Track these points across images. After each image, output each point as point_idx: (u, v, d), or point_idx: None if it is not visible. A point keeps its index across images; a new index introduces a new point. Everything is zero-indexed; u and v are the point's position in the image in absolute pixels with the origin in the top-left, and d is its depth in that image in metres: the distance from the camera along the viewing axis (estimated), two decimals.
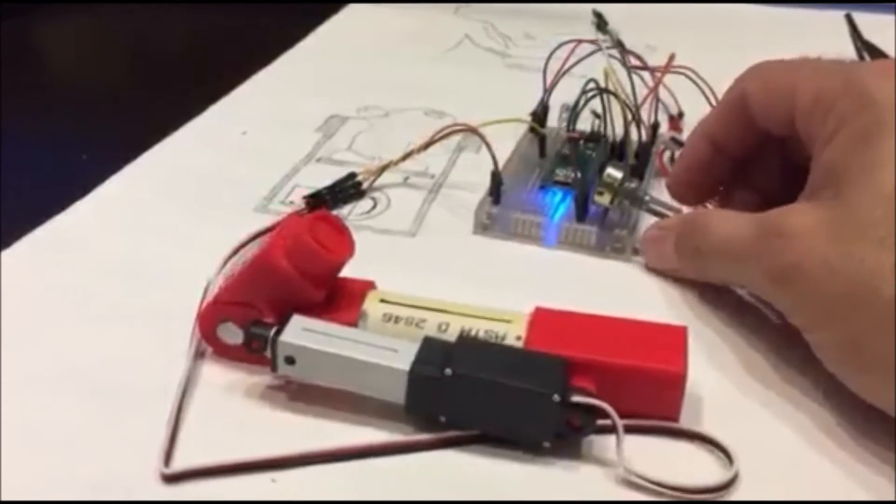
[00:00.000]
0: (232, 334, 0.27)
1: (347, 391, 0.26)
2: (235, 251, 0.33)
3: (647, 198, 0.34)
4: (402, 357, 0.25)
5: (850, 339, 0.25)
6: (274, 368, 0.26)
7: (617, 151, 0.38)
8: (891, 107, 0.25)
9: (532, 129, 0.40)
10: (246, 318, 0.26)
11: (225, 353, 0.28)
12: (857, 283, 0.24)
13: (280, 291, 0.27)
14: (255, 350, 0.26)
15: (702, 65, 0.41)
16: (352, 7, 0.60)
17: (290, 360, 0.26)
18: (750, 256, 0.27)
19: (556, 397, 0.24)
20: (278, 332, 0.25)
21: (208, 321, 0.27)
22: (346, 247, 0.28)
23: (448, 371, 0.25)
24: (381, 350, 0.25)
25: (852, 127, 0.26)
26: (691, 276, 0.32)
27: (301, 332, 0.26)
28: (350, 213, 0.37)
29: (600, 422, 0.24)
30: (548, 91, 0.40)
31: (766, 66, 0.31)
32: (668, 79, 0.42)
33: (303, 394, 0.27)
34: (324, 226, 0.28)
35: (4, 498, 0.23)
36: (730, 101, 0.32)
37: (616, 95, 0.36)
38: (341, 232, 0.28)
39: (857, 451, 0.25)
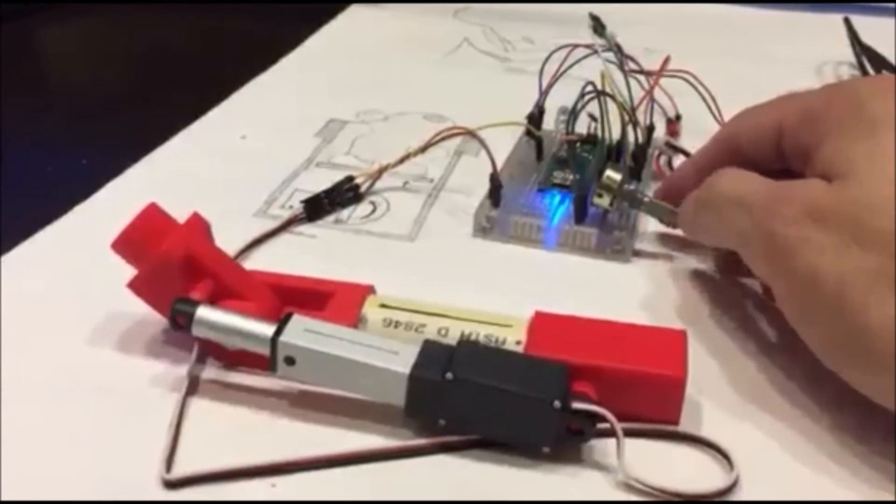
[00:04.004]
0: None
1: (346, 394, 0.26)
2: (235, 256, 0.33)
3: (645, 199, 0.34)
4: (402, 360, 0.25)
5: (853, 333, 0.24)
6: (273, 369, 0.26)
7: (613, 154, 0.38)
8: (882, 112, 0.26)
9: (528, 132, 0.40)
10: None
11: (225, 358, 0.28)
12: (864, 272, 0.23)
13: (159, 279, 0.27)
14: (180, 327, 0.26)
15: (700, 68, 0.41)
16: (351, 11, 0.60)
17: (290, 361, 0.25)
18: (757, 212, 0.27)
19: (558, 404, 0.24)
20: (278, 332, 0.25)
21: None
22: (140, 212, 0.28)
23: (449, 375, 0.25)
24: (382, 352, 0.25)
25: (849, 126, 0.26)
26: (701, 232, 0.31)
27: (302, 332, 0.26)
28: (349, 218, 0.37)
29: (600, 425, 0.24)
30: (543, 94, 0.40)
31: (752, 107, 0.32)
32: (666, 82, 0.42)
33: (303, 399, 0.27)
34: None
35: (4, 498, 0.24)
36: (720, 140, 0.33)
37: (613, 98, 0.36)
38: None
39: (857, 453, 0.26)
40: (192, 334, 0.26)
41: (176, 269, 0.27)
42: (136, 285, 0.28)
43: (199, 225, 0.29)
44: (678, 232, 0.34)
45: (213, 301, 0.27)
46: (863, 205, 0.24)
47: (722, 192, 0.29)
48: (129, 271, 0.27)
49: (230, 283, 0.28)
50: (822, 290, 0.24)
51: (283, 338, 0.25)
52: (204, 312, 0.26)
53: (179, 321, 0.26)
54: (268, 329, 0.26)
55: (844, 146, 0.26)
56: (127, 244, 0.27)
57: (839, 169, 0.26)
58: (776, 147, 0.29)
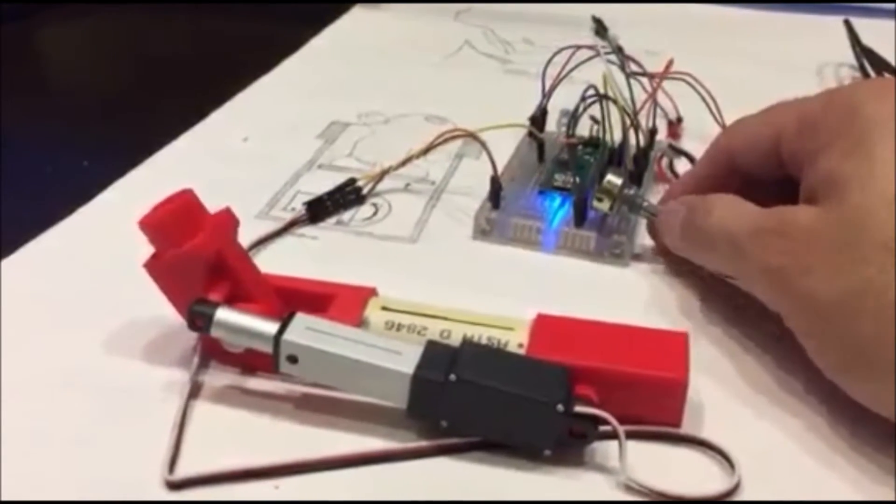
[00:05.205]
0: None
1: (349, 396, 0.26)
2: None
3: (645, 203, 0.34)
4: (405, 360, 0.25)
5: (852, 345, 0.24)
6: (276, 368, 0.26)
7: (615, 157, 0.38)
8: (878, 116, 0.26)
9: (530, 134, 0.40)
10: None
11: (229, 360, 0.28)
12: (860, 287, 0.24)
13: (182, 270, 0.27)
14: (199, 329, 0.26)
15: (701, 70, 0.41)
16: (353, 13, 0.60)
17: (293, 359, 0.25)
18: (749, 248, 0.27)
19: (560, 407, 0.24)
20: (282, 331, 0.25)
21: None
22: (177, 196, 0.27)
23: (452, 376, 0.25)
24: (385, 352, 0.25)
25: (844, 137, 0.26)
26: (690, 257, 0.32)
27: (305, 331, 0.26)
28: (351, 220, 0.37)
29: (602, 427, 0.24)
30: (546, 96, 0.40)
31: (746, 118, 0.32)
32: (668, 84, 0.42)
33: (305, 401, 0.27)
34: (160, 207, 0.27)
35: (4, 498, 0.24)
36: (714, 152, 0.33)
37: (615, 102, 0.36)
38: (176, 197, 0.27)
39: (857, 455, 0.26)
40: (209, 335, 0.26)
41: (203, 265, 0.27)
42: (153, 267, 0.27)
43: (230, 222, 0.28)
44: None
45: (229, 302, 0.27)
46: (853, 224, 0.25)
47: (712, 227, 0.29)
48: (133, 274, 0.27)
49: (246, 286, 0.27)
50: (819, 309, 0.25)
51: (286, 336, 0.25)
52: (222, 314, 0.26)
53: (198, 323, 0.26)
54: (271, 327, 0.26)
55: (837, 161, 0.26)
56: (157, 226, 0.27)
57: (831, 187, 0.26)
58: (774, 157, 0.30)
